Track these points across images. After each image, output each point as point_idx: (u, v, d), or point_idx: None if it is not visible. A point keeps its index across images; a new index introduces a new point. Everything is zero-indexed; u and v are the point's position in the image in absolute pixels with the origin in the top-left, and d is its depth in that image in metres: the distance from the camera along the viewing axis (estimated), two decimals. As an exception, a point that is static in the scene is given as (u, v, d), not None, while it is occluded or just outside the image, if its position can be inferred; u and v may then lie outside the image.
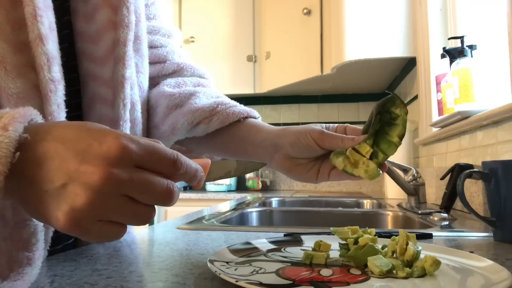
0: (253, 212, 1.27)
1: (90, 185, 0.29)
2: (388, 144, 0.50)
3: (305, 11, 2.20)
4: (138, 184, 0.31)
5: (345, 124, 0.57)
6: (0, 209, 0.33)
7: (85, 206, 0.29)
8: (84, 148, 0.30)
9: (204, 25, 2.58)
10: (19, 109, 0.32)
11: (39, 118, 0.33)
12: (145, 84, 0.65)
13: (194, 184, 0.37)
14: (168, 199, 0.33)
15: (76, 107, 0.57)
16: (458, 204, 1.10)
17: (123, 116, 0.57)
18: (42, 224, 0.36)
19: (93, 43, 0.56)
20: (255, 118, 0.66)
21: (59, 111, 0.46)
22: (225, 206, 1.32)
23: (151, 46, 0.68)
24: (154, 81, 0.70)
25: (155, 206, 0.34)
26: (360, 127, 0.55)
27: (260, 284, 0.36)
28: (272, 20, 2.46)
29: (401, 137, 0.50)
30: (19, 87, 0.44)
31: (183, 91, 0.67)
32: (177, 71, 0.72)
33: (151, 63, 0.69)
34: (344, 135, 0.53)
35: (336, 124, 0.57)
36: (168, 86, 0.68)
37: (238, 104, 0.66)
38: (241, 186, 2.73)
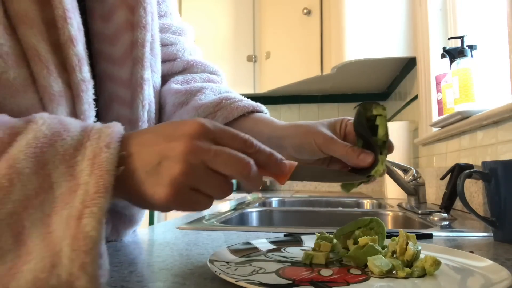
0: (253, 212, 1.27)
1: (179, 157, 0.34)
2: (381, 148, 0.50)
3: (305, 11, 2.20)
4: (218, 154, 0.35)
5: (347, 119, 0.56)
6: None
7: (180, 175, 0.34)
8: (171, 132, 0.36)
9: (204, 25, 2.58)
10: (111, 126, 0.36)
11: (122, 131, 0.38)
12: (158, 83, 0.65)
13: (274, 171, 0.40)
14: (244, 170, 0.36)
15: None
16: (458, 204, 1.10)
17: (142, 117, 0.57)
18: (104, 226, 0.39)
19: (111, 44, 0.56)
20: (261, 112, 0.64)
21: (90, 110, 0.49)
22: (225, 206, 1.32)
23: (162, 44, 0.68)
24: (164, 79, 0.70)
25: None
26: None
27: (260, 284, 0.36)
28: (272, 20, 2.46)
29: (383, 136, 0.49)
30: (60, 86, 0.46)
31: (190, 87, 0.67)
32: (187, 69, 0.72)
33: (162, 61, 0.68)
34: (349, 147, 0.51)
35: (340, 119, 0.56)
36: (176, 82, 0.68)
37: (244, 98, 0.65)
38: (241, 186, 2.73)
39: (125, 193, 0.36)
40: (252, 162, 0.37)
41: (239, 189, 2.71)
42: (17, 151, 0.32)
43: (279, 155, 0.40)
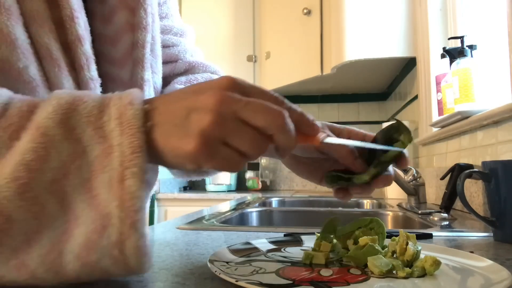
0: (253, 212, 1.27)
1: (209, 108, 0.33)
2: (380, 165, 0.46)
3: (305, 11, 2.20)
4: (250, 103, 0.34)
5: (350, 129, 0.55)
6: None
7: (210, 126, 0.33)
8: (200, 88, 0.35)
9: (204, 25, 2.58)
10: (128, 90, 0.36)
11: (143, 96, 0.37)
12: (159, 84, 0.65)
13: (306, 131, 0.38)
14: (278, 119, 0.34)
15: None
16: (458, 204, 1.10)
17: None
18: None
19: (111, 45, 0.56)
20: None
21: None
22: (225, 206, 1.32)
23: (163, 46, 0.68)
24: (166, 81, 0.70)
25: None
26: (361, 127, 0.53)
27: (260, 284, 0.36)
28: (272, 20, 2.46)
29: (389, 159, 0.45)
30: (70, 84, 0.47)
31: None
32: (189, 70, 0.72)
33: (163, 62, 0.69)
34: (348, 149, 0.48)
35: (341, 127, 0.53)
36: (179, 83, 0.69)
37: None
38: (241, 186, 2.73)
39: (155, 151, 0.35)
40: (285, 112, 0.35)
41: (239, 189, 2.71)
42: (45, 118, 0.33)
43: (310, 115, 0.38)
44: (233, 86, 0.35)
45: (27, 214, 0.32)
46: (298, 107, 0.37)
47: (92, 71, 0.49)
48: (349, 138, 0.52)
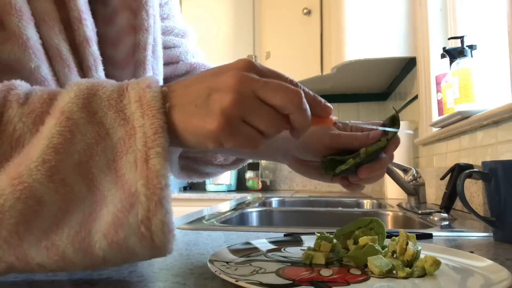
0: (253, 212, 1.27)
1: (229, 87, 0.34)
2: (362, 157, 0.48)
3: (305, 11, 2.19)
4: (268, 83, 0.35)
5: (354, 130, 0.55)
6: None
7: (231, 104, 0.34)
8: (218, 70, 0.37)
9: (204, 25, 2.58)
10: (147, 76, 0.39)
11: (159, 81, 0.40)
12: None
13: (320, 113, 0.39)
14: (296, 97, 0.35)
15: None
16: (458, 204, 1.10)
17: None
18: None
19: (113, 46, 0.56)
20: None
21: None
22: (225, 206, 1.32)
23: (165, 47, 0.68)
24: (167, 82, 0.70)
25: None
26: None
27: (260, 284, 0.36)
28: (272, 20, 2.46)
29: (371, 152, 0.48)
30: None
31: None
32: (190, 71, 0.72)
33: (165, 63, 0.69)
34: (356, 133, 0.51)
35: (350, 122, 0.56)
36: None
37: None
38: (241, 186, 2.73)
39: (176, 132, 0.36)
40: (301, 91, 0.36)
41: (239, 189, 2.71)
42: (69, 103, 0.34)
43: (322, 98, 0.40)
44: (251, 67, 0.36)
45: (57, 195, 0.33)
46: (310, 91, 0.39)
47: (99, 71, 0.49)
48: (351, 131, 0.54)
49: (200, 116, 0.35)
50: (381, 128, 0.48)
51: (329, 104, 0.40)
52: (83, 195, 0.34)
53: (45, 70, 0.45)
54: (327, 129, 0.54)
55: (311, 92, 0.39)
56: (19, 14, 0.42)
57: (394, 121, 0.49)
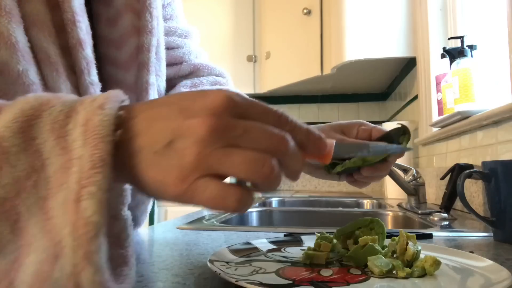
0: (253, 212, 1.27)
1: (196, 137, 0.28)
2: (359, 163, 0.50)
3: (305, 11, 2.20)
4: (248, 130, 0.29)
5: (360, 126, 0.56)
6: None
7: (194, 159, 0.28)
8: (188, 105, 0.30)
9: (204, 25, 2.58)
10: (109, 91, 0.31)
11: (127, 101, 0.32)
12: (162, 87, 0.65)
13: (315, 152, 0.34)
14: (282, 144, 0.30)
15: None
16: (458, 204, 1.10)
17: None
18: (131, 217, 0.35)
19: (116, 48, 0.56)
20: None
21: None
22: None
23: (168, 48, 0.68)
24: (171, 83, 0.70)
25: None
26: None
27: (260, 284, 0.36)
28: (272, 20, 2.46)
29: (370, 162, 0.50)
30: (68, 88, 0.46)
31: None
32: (194, 72, 0.72)
33: (168, 64, 0.68)
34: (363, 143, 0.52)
35: (354, 123, 0.56)
36: (184, 87, 0.68)
37: None
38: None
39: (130, 177, 0.30)
40: (289, 136, 0.31)
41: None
42: (3, 127, 0.29)
43: (317, 132, 0.34)
44: (229, 106, 0.29)
45: None
46: (303, 125, 0.33)
47: (92, 75, 0.48)
48: (357, 135, 0.55)
49: (157, 167, 0.29)
50: (382, 144, 0.48)
51: (325, 140, 0.34)
52: (6, 239, 0.28)
53: (32, 74, 0.43)
54: (332, 135, 0.55)
55: (303, 127, 0.33)
56: (9, 16, 0.41)
57: (403, 134, 0.51)
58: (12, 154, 0.29)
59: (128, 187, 0.33)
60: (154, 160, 0.29)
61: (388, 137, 0.53)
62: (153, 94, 0.58)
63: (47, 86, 0.45)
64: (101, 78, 0.56)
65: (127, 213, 0.34)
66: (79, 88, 0.47)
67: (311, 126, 0.34)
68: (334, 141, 0.36)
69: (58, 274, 0.27)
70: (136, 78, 0.56)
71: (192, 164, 0.28)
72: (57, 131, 0.29)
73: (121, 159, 0.29)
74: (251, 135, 0.29)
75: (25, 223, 0.29)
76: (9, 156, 0.28)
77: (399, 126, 0.52)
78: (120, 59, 0.56)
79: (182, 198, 0.30)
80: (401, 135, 0.51)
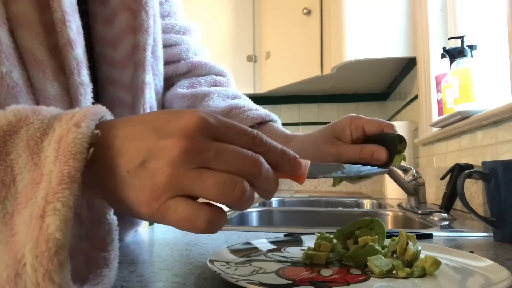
0: (253, 212, 1.27)
1: (168, 158, 0.29)
2: None
3: (305, 11, 2.20)
4: (220, 152, 0.30)
5: (352, 124, 0.55)
6: (77, 207, 0.31)
7: (166, 179, 0.29)
8: (163, 125, 0.30)
9: (204, 25, 2.57)
10: (89, 107, 0.31)
11: (108, 116, 0.33)
12: (160, 86, 0.65)
13: (290, 173, 0.35)
14: (254, 168, 0.30)
15: None
16: (458, 204, 1.10)
17: None
18: (116, 223, 0.35)
19: (112, 47, 0.55)
20: (272, 121, 0.64)
21: None
22: (225, 206, 1.32)
23: (165, 45, 0.67)
24: (169, 82, 0.69)
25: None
26: None
27: (260, 284, 0.36)
28: (272, 20, 2.46)
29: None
30: (56, 89, 0.45)
31: (197, 91, 0.66)
32: (192, 70, 0.71)
33: (165, 63, 0.68)
34: (360, 148, 0.52)
35: (345, 123, 0.56)
36: (182, 87, 0.67)
37: (254, 107, 0.65)
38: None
39: (103, 194, 0.31)
40: (262, 159, 0.31)
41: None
42: None
43: (292, 152, 0.34)
44: (204, 128, 0.30)
45: None
46: (278, 145, 0.34)
47: (82, 76, 0.47)
48: (352, 135, 0.54)
49: (130, 186, 0.29)
50: (355, 166, 0.49)
51: (299, 161, 0.35)
52: None
53: (16, 75, 0.42)
54: (327, 148, 0.54)
55: (278, 148, 0.33)
56: None
57: (399, 142, 0.51)
58: None
59: None
60: (127, 179, 0.29)
61: (383, 141, 0.52)
62: (149, 93, 0.58)
63: (33, 87, 0.44)
64: (97, 78, 0.56)
65: (113, 217, 0.34)
66: (69, 88, 0.46)
67: (285, 148, 0.34)
68: (309, 162, 0.36)
69: None
70: (132, 77, 0.56)
71: (164, 184, 0.28)
72: (31, 148, 0.29)
73: (94, 177, 0.30)
74: (223, 157, 0.29)
75: None
76: None
77: (396, 134, 0.52)
78: (116, 58, 0.56)
79: (153, 217, 0.30)
80: (398, 143, 0.51)
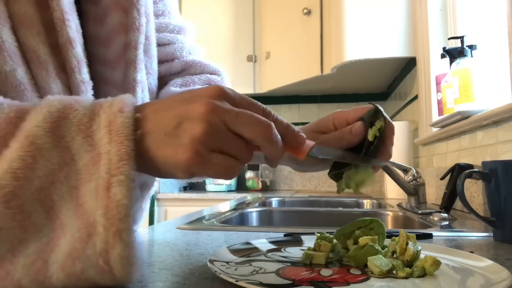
0: (253, 212, 1.27)
1: (200, 117, 0.33)
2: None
3: (305, 11, 2.20)
4: (239, 114, 0.34)
5: (334, 118, 0.55)
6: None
7: (201, 134, 0.33)
8: (190, 96, 0.35)
9: (204, 25, 2.58)
10: (122, 96, 0.36)
11: (136, 102, 0.37)
12: (154, 85, 0.64)
13: (293, 144, 0.39)
14: (267, 130, 0.35)
15: None
16: (458, 204, 1.10)
17: None
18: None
19: (104, 46, 0.55)
20: None
21: None
22: (225, 206, 1.32)
23: (159, 44, 0.67)
24: (163, 81, 0.69)
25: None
26: None
27: (260, 284, 0.36)
28: (272, 20, 2.46)
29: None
30: (59, 87, 0.46)
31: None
32: (186, 69, 0.71)
33: (160, 62, 0.67)
34: (338, 131, 0.51)
35: (327, 119, 0.56)
36: (175, 85, 0.67)
37: None
38: (241, 186, 2.73)
39: (145, 160, 0.35)
40: (273, 124, 0.36)
41: (239, 189, 2.71)
42: (35, 127, 0.33)
43: (296, 127, 0.39)
44: (222, 95, 0.35)
45: (13, 222, 0.31)
46: (283, 119, 0.38)
47: (83, 74, 0.48)
48: (336, 128, 0.54)
49: (170, 145, 0.34)
50: (353, 155, 0.48)
51: (302, 134, 0.39)
52: (42, 223, 0.32)
53: (20, 74, 0.43)
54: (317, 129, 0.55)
55: (284, 121, 0.38)
56: None
57: (376, 115, 0.49)
58: (45, 150, 0.33)
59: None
60: (166, 140, 0.34)
61: (361, 118, 0.51)
62: (140, 92, 0.57)
63: (37, 85, 0.44)
64: (90, 77, 0.56)
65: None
66: (70, 86, 0.47)
67: (290, 123, 0.39)
68: (314, 143, 0.40)
69: (90, 251, 0.31)
70: (123, 76, 0.56)
71: (201, 137, 0.33)
72: (83, 132, 0.34)
73: (139, 149, 0.34)
74: (242, 118, 0.34)
75: (59, 210, 0.33)
76: (43, 151, 0.33)
77: (372, 108, 0.50)
78: (108, 57, 0.56)
79: (193, 169, 0.34)
80: (375, 118, 0.49)
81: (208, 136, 0.33)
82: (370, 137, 0.48)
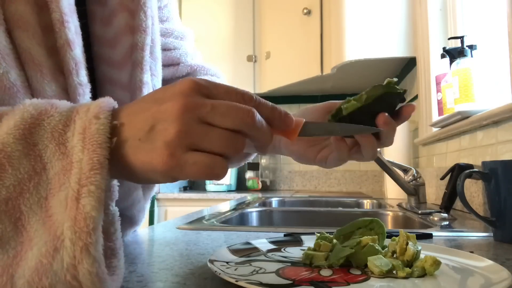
0: (253, 212, 1.27)
1: (172, 117, 0.32)
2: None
3: (305, 11, 2.20)
4: (215, 106, 0.32)
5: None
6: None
7: (174, 136, 0.31)
8: (161, 95, 0.34)
9: (205, 25, 2.58)
10: (100, 100, 0.35)
11: (116, 106, 0.36)
12: (158, 87, 0.65)
13: (281, 127, 0.37)
14: (248, 117, 0.33)
15: None
16: (458, 204, 1.10)
17: None
18: (118, 213, 0.36)
19: (111, 47, 0.55)
20: None
21: None
22: (225, 206, 1.32)
23: (165, 49, 0.69)
24: (168, 84, 0.70)
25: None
26: None
27: (260, 284, 0.36)
28: (272, 20, 2.46)
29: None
30: (54, 90, 0.45)
31: None
32: (191, 73, 0.74)
33: (165, 65, 0.69)
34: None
35: (331, 103, 0.56)
36: None
37: None
38: (241, 186, 2.73)
39: (121, 168, 0.33)
40: (254, 110, 0.33)
41: (239, 189, 2.71)
42: (5, 134, 0.31)
43: (282, 109, 0.37)
44: (196, 89, 0.33)
45: None
46: (268, 102, 0.36)
47: (81, 76, 0.47)
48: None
49: (145, 151, 0.32)
50: (351, 125, 0.47)
51: (290, 115, 0.37)
52: (8, 235, 0.31)
53: (13, 76, 0.42)
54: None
55: (269, 104, 0.36)
56: None
57: (389, 87, 0.50)
58: (15, 158, 0.31)
59: (115, 183, 0.35)
60: (140, 146, 0.32)
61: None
62: (147, 93, 0.58)
63: (31, 87, 0.44)
64: (96, 78, 0.56)
65: (114, 208, 0.36)
66: (67, 89, 0.46)
67: (275, 105, 0.37)
68: (303, 120, 0.38)
69: (57, 266, 0.29)
70: (130, 77, 0.56)
71: (175, 139, 0.31)
72: (56, 139, 0.32)
73: (114, 157, 0.32)
74: (219, 110, 0.32)
75: (27, 221, 0.31)
76: (12, 160, 0.31)
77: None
78: (114, 58, 0.56)
79: (171, 173, 0.32)
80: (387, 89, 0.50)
81: (182, 136, 0.32)
82: (349, 107, 0.47)
